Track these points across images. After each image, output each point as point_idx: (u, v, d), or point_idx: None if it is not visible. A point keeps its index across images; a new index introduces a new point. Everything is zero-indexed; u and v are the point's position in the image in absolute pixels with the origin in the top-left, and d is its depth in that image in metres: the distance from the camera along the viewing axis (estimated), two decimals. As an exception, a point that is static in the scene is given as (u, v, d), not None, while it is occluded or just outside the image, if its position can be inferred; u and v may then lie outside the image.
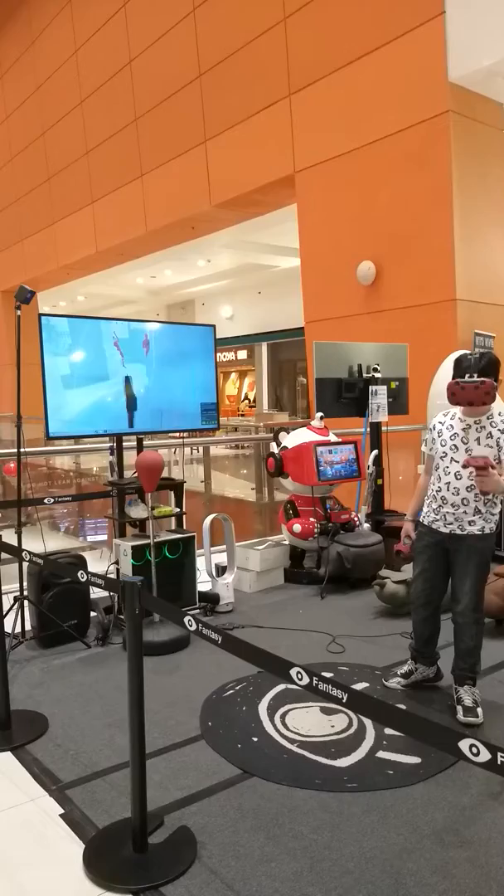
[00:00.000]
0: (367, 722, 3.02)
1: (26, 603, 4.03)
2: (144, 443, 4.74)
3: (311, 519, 5.15)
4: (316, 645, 3.96)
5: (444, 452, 3.12)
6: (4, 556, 3.09)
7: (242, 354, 22.73)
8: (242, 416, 21.82)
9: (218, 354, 4.94)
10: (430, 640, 3.34)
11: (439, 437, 3.16)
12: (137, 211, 12.19)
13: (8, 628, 3.76)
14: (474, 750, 1.42)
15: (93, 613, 4.21)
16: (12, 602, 3.97)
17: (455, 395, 2.99)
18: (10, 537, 3.39)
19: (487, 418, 3.04)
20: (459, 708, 3.06)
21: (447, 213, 6.97)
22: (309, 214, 8.76)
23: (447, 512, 3.10)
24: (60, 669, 3.67)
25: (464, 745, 1.43)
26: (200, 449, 8.63)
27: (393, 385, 5.76)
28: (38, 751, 2.85)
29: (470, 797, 2.48)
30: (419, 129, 7.15)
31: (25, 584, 4.04)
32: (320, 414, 5.39)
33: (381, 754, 2.77)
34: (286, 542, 5.37)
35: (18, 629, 3.98)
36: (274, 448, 5.42)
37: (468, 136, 7.05)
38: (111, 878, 2.11)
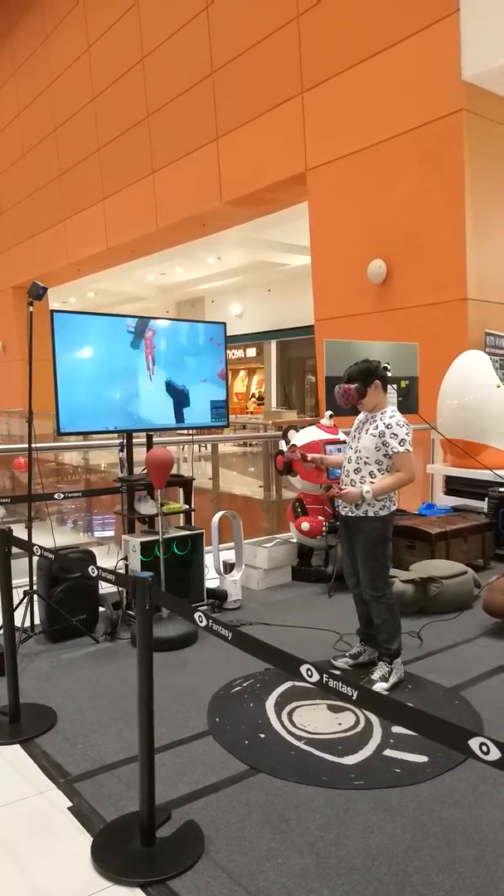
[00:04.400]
0: (374, 720, 3.02)
1: (36, 597, 4.06)
2: (153, 440, 4.75)
3: (320, 517, 5.16)
4: (323, 643, 3.97)
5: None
6: (15, 550, 3.11)
7: (251, 352, 22.72)
8: (251, 413, 21.78)
9: (227, 352, 4.94)
10: (369, 620, 3.51)
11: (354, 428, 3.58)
12: (148, 208, 12.20)
13: (17, 622, 3.77)
14: (484, 748, 1.42)
15: (101, 609, 4.22)
16: (22, 596, 3.99)
17: (336, 400, 3.51)
18: (20, 532, 3.41)
19: (381, 413, 3.40)
20: (365, 678, 3.35)
21: (459, 212, 6.95)
22: (320, 212, 8.75)
23: None
24: (69, 664, 3.69)
25: (474, 743, 1.43)
26: (209, 446, 8.63)
27: (403, 384, 5.76)
28: (46, 744, 2.87)
29: (477, 796, 2.48)
30: (432, 127, 7.13)
31: (35, 578, 4.07)
32: (329, 412, 5.38)
33: (388, 752, 2.77)
34: (294, 540, 5.38)
35: (28, 623, 4.01)
36: (283, 446, 5.42)
37: (482, 135, 7.02)
38: (119, 871, 2.12)
